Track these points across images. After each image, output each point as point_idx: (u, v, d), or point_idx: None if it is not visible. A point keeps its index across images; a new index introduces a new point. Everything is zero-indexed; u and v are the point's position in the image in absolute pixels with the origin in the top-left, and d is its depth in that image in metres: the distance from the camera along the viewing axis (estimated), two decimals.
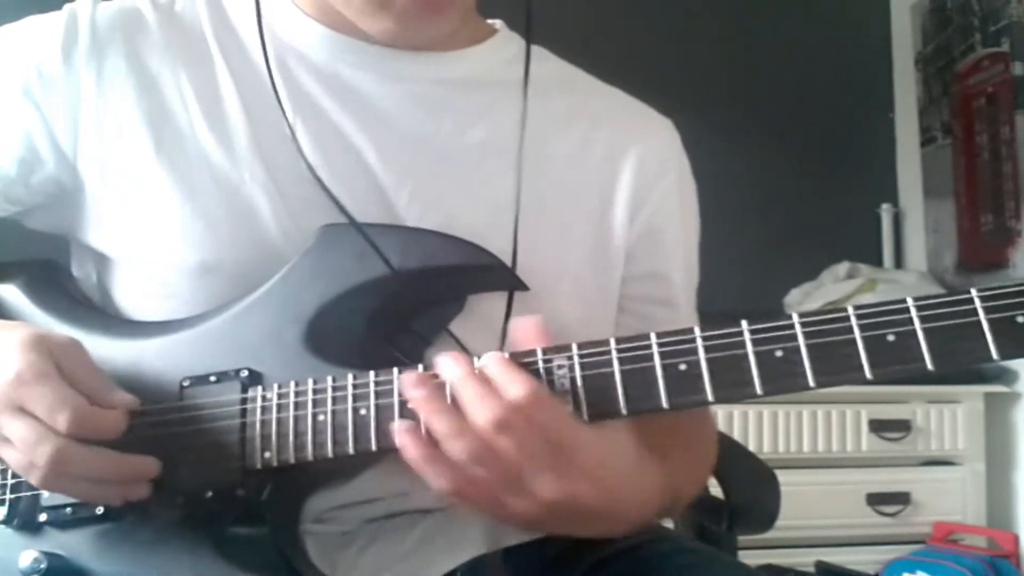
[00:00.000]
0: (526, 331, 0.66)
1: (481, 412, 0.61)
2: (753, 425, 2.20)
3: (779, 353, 0.59)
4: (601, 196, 0.85)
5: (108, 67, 0.78)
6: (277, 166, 0.77)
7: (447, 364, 0.64)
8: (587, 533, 0.73)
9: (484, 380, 0.62)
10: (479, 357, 0.65)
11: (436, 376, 0.65)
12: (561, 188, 0.83)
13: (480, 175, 0.81)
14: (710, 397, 0.60)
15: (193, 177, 0.77)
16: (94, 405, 0.67)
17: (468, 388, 0.62)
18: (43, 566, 0.70)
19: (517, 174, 0.81)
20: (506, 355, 0.64)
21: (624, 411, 0.62)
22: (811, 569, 2.20)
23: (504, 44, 0.88)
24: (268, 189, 0.76)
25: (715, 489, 1.07)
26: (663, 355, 0.61)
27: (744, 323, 0.60)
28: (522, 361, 0.64)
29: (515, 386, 0.61)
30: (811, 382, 0.58)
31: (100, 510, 0.71)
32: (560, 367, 0.63)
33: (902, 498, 2.26)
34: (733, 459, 1.06)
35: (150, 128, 0.77)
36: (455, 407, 0.62)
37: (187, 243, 0.76)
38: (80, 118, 0.78)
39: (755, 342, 0.59)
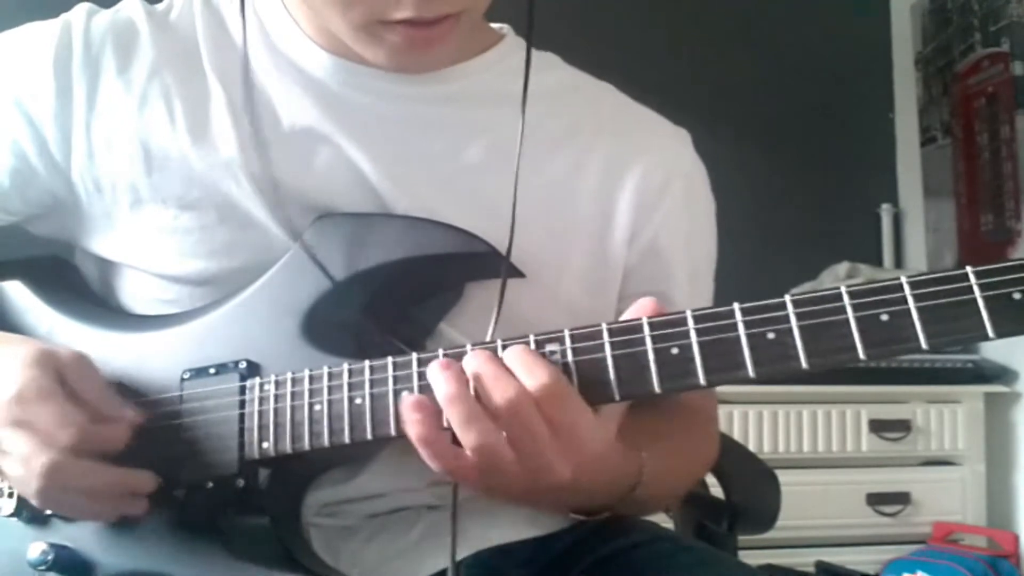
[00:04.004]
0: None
1: (498, 394, 0.60)
2: (753, 425, 2.20)
3: (771, 335, 0.58)
4: (601, 214, 0.83)
5: (100, 81, 0.78)
6: (266, 176, 0.77)
7: (469, 355, 0.64)
8: (552, 508, 0.76)
9: (504, 367, 0.62)
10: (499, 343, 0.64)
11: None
12: (559, 204, 0.82)
13: (477, 192, 0.80)
14: (702, 381, 0.59)
15: (184, 190, 0.77)
16: (97, 420, 0.67)
17: (487, 369, 0.62)
18: (51, 557, 0.71)
19: (514, 192, 0.79)
20: (530, 345, 0.63)
21: (617, 396, 0.61)
22: (811, 569, 2.20)
23: (508, 53, 0.86)
24: (258, 199, 0.76)
25: (715, 489, 1.07)
26: (655, 339, 0.61)
27: (736, 305, 0.59)
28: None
29: (534, 375, 0.60)
30: (804, 364, 0.57)
31: None
32: (552, 353, 0.63)
33: (902, 498, 2.25)
34: (733, 459, 1.06)
35: (140, 143, 0.77)
36: (474, 397, 0.62)
37: (183, 254, 0.77)
38: (72, 130, 0.78)
39: (747, 324, 0.58)
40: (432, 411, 0.62)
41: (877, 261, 2.70)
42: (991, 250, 2.46)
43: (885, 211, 2.76)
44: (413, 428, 0.62)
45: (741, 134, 2.50)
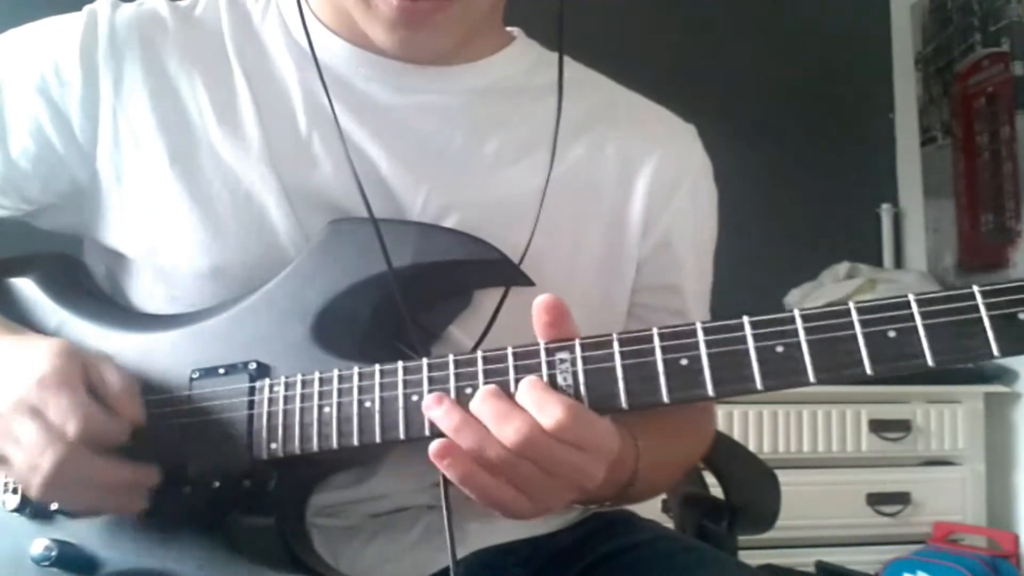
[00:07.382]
0: (549, 312, 0.64)
1: (509, 434, 0.60)
2: (753, 425, 2.20)
3: (780, 349, 0.58)
4: (614, 206, 0.84)
5: (125, 71, 0.79)
6: (287, 172, 0.77)
7: (476, 397, 0.63)
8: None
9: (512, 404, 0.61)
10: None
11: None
12: (574, 197, 0.82)
13: (494, 184, 0.81)
14: (711, 392, 0.59)
15: (205, 183, 0.77)
16: (108, 414, 0.68)
17: (494, 409, 0.61)
18: (54, 554, 0.71)
19: (531, 182, 0.80)
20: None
21: (625, 405, 0.61)
22: (811, 569, 2.20)
23: (521, 53, 0.88)
24: (277, 195, 0.77)
25: (715, 489, 1.07)
26: (664, 350, 0.61)
27: (745, 318, 0.59)
28: (525, 352, 0.64)
29: (546, 412, 0.60)
30: (812, 378, 0.57)
31: None
32: (563, 361, 0.63)
33: (902, 498, 2.26)
34: (733, 459, 1.07)
35: (165, 135, 0.78)
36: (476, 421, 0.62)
37: (198, 247, 0.77)
38: (100, 117, 0.78)
39: (756, 337, 0.59)
40: (455, 449, 0.61)
41: (877, 261, 2.71)
42: (991, 250, 2.46)
43: (885, 211, 2.76)
44: (448, 472, 0.62)
45: (741, 134, 2.50)
